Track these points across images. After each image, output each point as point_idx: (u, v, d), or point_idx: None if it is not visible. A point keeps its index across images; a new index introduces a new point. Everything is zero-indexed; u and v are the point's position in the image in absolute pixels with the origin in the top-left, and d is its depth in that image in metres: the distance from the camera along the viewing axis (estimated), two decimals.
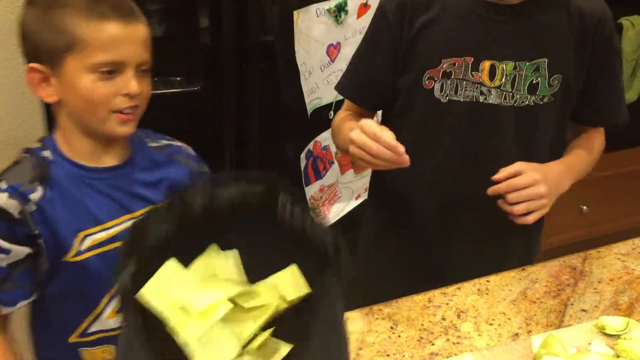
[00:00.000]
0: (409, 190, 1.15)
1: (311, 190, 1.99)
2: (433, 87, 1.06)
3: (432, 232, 1.16)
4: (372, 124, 0.93)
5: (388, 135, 0.91)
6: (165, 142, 1.13)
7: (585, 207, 2.67)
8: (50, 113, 1.68)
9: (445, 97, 1.06)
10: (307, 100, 1.88)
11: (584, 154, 1.16)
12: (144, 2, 1.65)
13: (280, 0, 1.78)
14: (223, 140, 1.80)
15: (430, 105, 1.07)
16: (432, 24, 1.05)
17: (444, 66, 1.04)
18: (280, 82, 1.89)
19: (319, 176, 2.00)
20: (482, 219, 1.11)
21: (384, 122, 1.19)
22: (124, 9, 0.91)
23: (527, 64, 1.03)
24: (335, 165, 2.02)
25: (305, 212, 0.70)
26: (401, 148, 0.90)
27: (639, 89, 2.46)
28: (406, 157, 0.91)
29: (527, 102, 1.05)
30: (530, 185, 0.98)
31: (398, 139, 0.95)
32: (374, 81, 1.13)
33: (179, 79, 1.75)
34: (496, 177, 1.00)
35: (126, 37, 0.89)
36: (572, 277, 1.09)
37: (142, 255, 0.64)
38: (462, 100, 1.05)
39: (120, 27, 0.88)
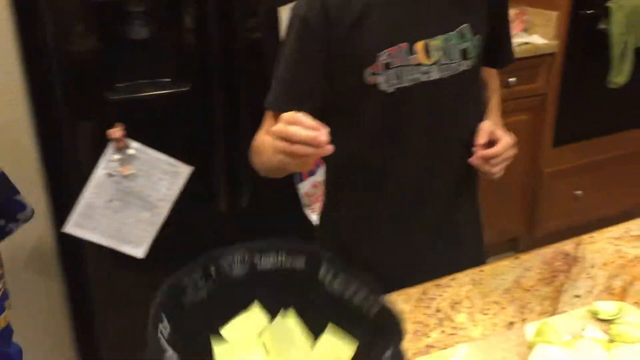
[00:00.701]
0: (376, 186, 1.16)
1: (304, 187, 1.99)
2: (378, 81, 1.06)
3: (406, 220, 1.18)
4: (292, 113, 0.87)
5: (307, 118, 0.86)
6: None
7: (579, 193, 2.68)
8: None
9: (391, 87, 1.07)
10: None
11: (499, 99, 1.30)
12: (129, 4, 1.65)
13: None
14: (213, 139, 1.80)
15: (378, 99, 1.08)
16: (359, 21, 1.05)
17: (382, 58, 1.05)
18: (269, 80, 1.88)
19: (311, 172, 2.00)
20: (442, 202, 1.19)
21: (332, 128, 1.15)
22: None
23: (453, 33, 1.08)
24: None
25: (350, 281, 0.71)
26: (322, 128, 0.85)
27: (627, 72, 2.46)
28: (325, 139, 0.84)
29: (462, 68, 1.10)
30: (507, 150, 1.08)
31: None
32: (307, 93, 1.09)
33: (167, 80, 1.75)
34: (480, 142, 1.08)
35: None
36: (566, 263, 1.09)
37: (176, 315, 0.66)
38: (408, 85, 1.07)
39: None
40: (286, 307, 0.75)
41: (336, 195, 1.24)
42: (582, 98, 2.52)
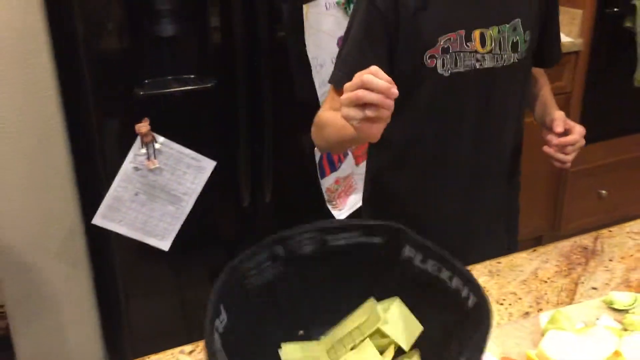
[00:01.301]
0: (427, 167, 1.22)
1: (327, 183, 2.02)
2: (435, 64, 1.12)
3: (455, 204, 1.24)
4: (367, 70, 0.86)
5: (381, 72, 0.86)
6: None
7: (604, 192, 2.66)
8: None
9: (448, 71, 1.13)
10: (319, 93, 1.90)
11: (551, 93, 1.38)
12: (156, 2, 1.69)
13: None
14: (238, 135, 1.83)
15: (435, 81, 1.14)
16: (423, 6, 1.10)
17: (441, 43, 1.11)
18: (293, 76, 1.91)
19: (334, 168, 2.02)
20: (498, 184, 1.28)
21: None
22: None
23: (507, 25, 1.15)
24: (350, 156, 2.04)
25: (441, 264, 0.68)
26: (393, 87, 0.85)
27: None
28: (396, 91, 0.85)
29: (512, 60, 1.17)
30: (581, 138, 1.18)
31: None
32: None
33: (192, 76, 1.78)
34: (559, 130, 1.15)
35: None
36: (584, 256, 1.10)
37: (234, 304, 0.64)
38: (462, 70, 1.13)
39: None
40: (360, 283, 0.72)
41: (389, 177, 1.29)
42: (608, 96, 2.50)
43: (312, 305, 0.72)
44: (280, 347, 0.71)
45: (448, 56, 1.12)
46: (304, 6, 1.80)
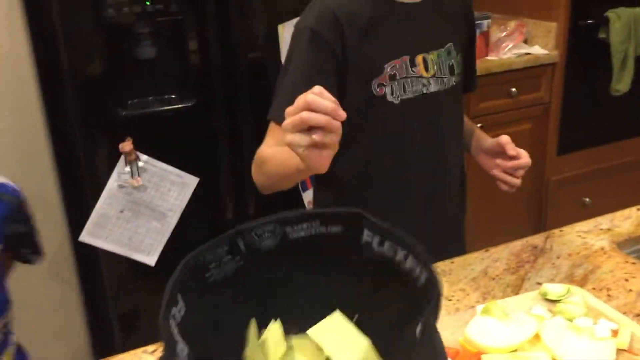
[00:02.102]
0: (380, 199, 1.19)
1: (309, 196, 2.07)
2: (385, 92, 1.12)
3: (410, 230, 1.21)
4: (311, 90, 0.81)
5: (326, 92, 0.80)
6: None
7: (587, 200, 2.70)
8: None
9: (397, 98, 1.13)
10: None
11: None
12: (136, 26, 1.78)
13: (264, 17, 1.89)
14: (218, 150, 1.90)
15: (386, 110, 1.13)
16: (367, 34, 1.10)
17: (388, 70, 1.12)
18: (270, 94, 1.98)
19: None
20: (451, 208, 1.28)
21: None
22: None
23: (443, 50, 1.17)
24: None
25: (396, 245, 0.68)
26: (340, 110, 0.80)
27: (629, 81, 2.49)
28: (343, 113, 0.81)
29: (451, 83, 1.19)
30: (528, 160, 1.16)
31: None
32: None
33: (173, 96, 1.86)
34: (512, 153, 1.14)
35: None
36: (533, 254, 1.14)
37: (193, 296, 0.62)
38: (412, 96, 1.14)
39: None
40: (323, 274, 0.71)
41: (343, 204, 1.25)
42: (585, 106, 2.56)
43: (275, 300, 0.72)
44: (242, 342, 0.70)
45: (396, 83, 1.12)
46: (279, 26, 1.88)
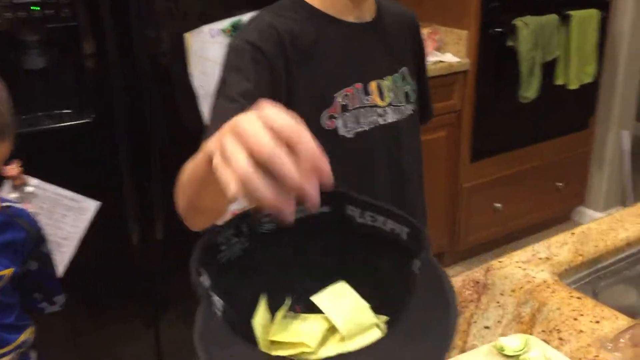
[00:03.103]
0: None
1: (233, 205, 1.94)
2: (336, 126, 0.98)
3: None
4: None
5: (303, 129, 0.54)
6: (6, 203, 1.12)
7: (498, 205, 2.74)
8: None
9: (351, 132, 1.00)
10: (207, 122, 1.82)
11: None
12: (22, 33, 1.56)
13: (168, 23, 1.72)
14: (121, 170, 1.72)
15: (337, 146, 0.98)
16: (311, 58, 0.96)
17: (339, 100, 0.98)
18: (179, 107, 1.82)
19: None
20: None
21: None
22: None
23: (397, 75, 1.06)
24: None
25: (378, 211, 0.72)
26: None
27: (536, 87, 2.54)
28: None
29: (409, 112, 1.08)
30: None
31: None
32: None
33: (68, 111, 1.66)
34: None
35: None
36: (475, 291, 1.08)
37: (214, 273, 0.65)
38: (367, 128, 1.01)
39: None
40: (319, 250, 0.75)
41: None
42: (496, 113, 2.58)
43: (281, 280, 0.74)
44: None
45: (348, 114, 0.99)
46: (186, 35, 1.72)
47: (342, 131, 0.99)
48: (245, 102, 0.88)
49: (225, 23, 1.78)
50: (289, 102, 0.94)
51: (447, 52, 2.49)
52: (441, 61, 2.41)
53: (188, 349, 0.64)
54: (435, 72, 2.37)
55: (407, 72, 1.07)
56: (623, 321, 0.98)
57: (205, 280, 0.63)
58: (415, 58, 1.12)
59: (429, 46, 2.44)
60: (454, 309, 0.59)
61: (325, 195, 0.68)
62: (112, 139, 1.69)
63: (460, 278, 1.13)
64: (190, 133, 1.82)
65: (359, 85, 1.00)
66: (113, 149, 1.70)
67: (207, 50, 1.77)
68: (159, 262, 1.87)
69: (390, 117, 1.04)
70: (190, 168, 0.74)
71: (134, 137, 1.71)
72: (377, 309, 0.70)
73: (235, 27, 1.81)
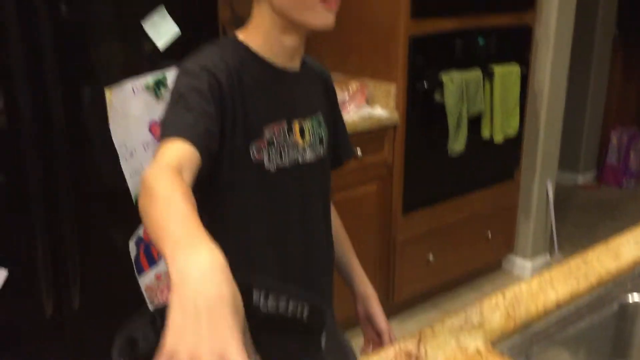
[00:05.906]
0: (245, 259, 1.09)
1: (146, 280, 1.83)
2: (262, 158, 1.05)
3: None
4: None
5: None
6: None
7: (431, 256, 2.74)
8: None
9: (274, 165, 1.06)
10: (130, 183, 1.73)
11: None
12: None
13: (88, 78, 1.64)
14: (34, 234, 1.59)
15: (261, 179, 1.06)
16: (250, 93, 1.03)
17: (266, 134, 1.05)
18: (99, 166, 1.73)
19: (153, 262, 1.85)
20: (327, 283, 1.24)
21: (205, 197, 1.04)
22: None
23: (314, 118, 1.13)
24: None
25: (279, 295, 0.74)
26: None
27: (464, 140, 2.58)
28: None
29: (322, 155, 1.15)
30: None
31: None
32: (210, 132, 0.95)
33: None
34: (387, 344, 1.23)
35: None
36: None
37: None
38: (288, 165, 1.08)
39: None
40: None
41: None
42: (426, 166, 2.60)
43: None
44: None
45: (274, 149, 1.06)
46: (106, 91, 1.64)
47: (267, 164, 1.06)
48: (202, 119, 0.93)
49: (149, 79, 1.72)
50: (232, 134, 1.01)
51: (376, 104, 2.50)
52: (371, 116, 2.42)
53: None
54: (366, 127, 2.37)
55: (322, 118, 1.15)
56: None
57: None
58: (329, 107, 1.21)
59: (358, 99, 2.44)
60: None
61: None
62: (23, 202, 1.58)
63: (391, 351, 1.08)
64: (111, 194, 1.74)
65: (284, 122, 1.07)
66: (23, 212, 1.58)
67: (130, 107, 1.70)
68: (76, 335, 1.73)
69: (309, 157, 1.11)
70: (151, 230, 0.73)
71: (47, 200, 1.60)
72: None
73: (157, 83, 1.74)
